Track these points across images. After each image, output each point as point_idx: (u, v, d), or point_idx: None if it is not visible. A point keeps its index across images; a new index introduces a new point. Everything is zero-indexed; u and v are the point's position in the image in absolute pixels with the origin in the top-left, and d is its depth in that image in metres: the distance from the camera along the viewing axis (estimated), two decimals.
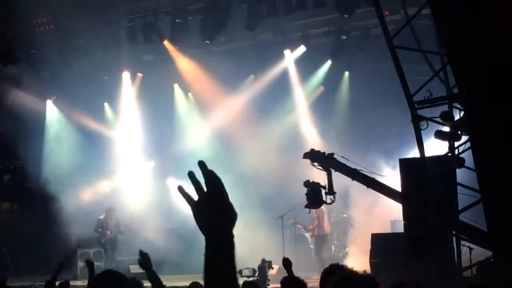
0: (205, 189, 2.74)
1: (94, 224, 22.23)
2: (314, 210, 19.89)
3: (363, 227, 20.70)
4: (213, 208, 2.69)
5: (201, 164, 2.78)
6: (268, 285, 17.03)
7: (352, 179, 12.81)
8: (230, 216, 2.72)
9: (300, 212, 20.57)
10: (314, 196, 12.83)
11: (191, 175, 2.76)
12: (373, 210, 20.10)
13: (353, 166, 12.99)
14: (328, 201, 12.93)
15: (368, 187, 12.75)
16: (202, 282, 2.73)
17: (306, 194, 12.99)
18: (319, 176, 13.46)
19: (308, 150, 13.55)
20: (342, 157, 12.81)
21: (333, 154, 12.83)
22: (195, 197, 2.74)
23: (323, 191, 12.89)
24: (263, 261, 17.29)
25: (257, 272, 16.82)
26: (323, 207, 19.97)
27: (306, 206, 13.05)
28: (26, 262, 24.16)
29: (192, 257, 22.38)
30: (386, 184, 12.85)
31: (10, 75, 22.79)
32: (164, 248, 24.82)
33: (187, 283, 8.82)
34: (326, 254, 21.11)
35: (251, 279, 15.75)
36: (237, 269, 2.73)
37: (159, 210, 24.78)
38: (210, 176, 2.76)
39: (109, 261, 21.49)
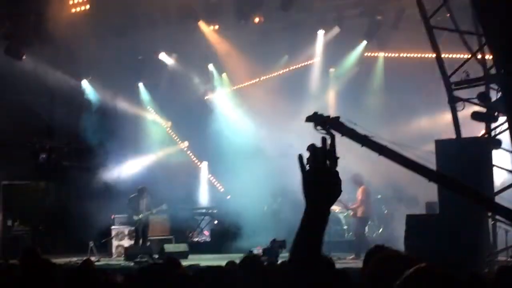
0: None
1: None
2: (359, 190, 19.50)
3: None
4: (319, 184, 3.01)
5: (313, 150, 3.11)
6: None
7: (362, 145, 12.25)
8: (332, 194, 3.02)
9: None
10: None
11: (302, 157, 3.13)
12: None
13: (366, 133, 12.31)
14: None
15: (380, 155, 12.19)
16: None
17: (307, 158, 12.25)
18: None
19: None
20: (350, 121, 12.25)
21: (338, 117, 12.32)
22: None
23: None
24: (273, 241, 16.87)
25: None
26: (367, 187, 19.61)
27: None
28: (62, 240, 24.41)
29: (226, 238, 22.56)
30: (404, 155, 12.26)
31: (47, 54, 22.93)
32: (198, 229, 25.02)
33: (222, 263, 8.70)
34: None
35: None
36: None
37: (193, 191, 24.96)
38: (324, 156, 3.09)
39: (141, 241, 21.30)
